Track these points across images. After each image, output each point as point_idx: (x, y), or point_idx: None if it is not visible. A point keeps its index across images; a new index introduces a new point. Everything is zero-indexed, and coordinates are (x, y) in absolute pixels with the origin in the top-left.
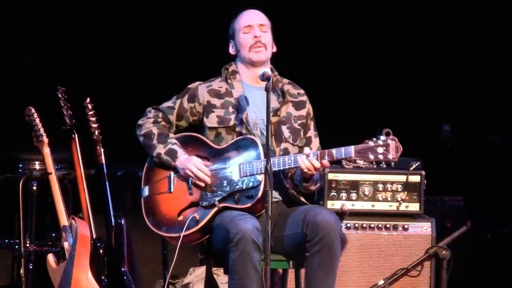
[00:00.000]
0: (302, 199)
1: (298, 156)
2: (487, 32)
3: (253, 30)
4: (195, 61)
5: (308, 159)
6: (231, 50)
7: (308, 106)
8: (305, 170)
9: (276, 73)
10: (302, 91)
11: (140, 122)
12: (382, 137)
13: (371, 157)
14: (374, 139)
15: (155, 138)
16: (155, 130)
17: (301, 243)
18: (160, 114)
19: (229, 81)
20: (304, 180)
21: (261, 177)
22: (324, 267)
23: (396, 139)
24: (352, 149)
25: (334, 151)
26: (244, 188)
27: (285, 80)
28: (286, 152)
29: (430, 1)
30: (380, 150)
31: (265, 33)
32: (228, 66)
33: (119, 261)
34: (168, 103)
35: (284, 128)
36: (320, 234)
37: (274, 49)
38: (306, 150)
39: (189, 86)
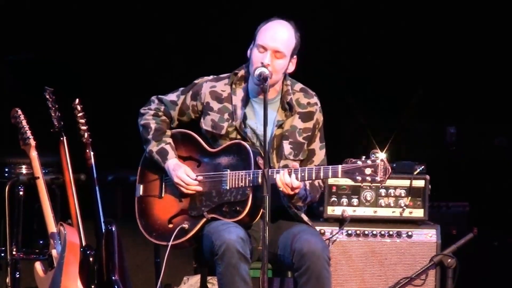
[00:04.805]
0: (303, 216)
1: (281, 171)
2: (493, 34)
3: (265, 54)
4: (189, 62)
5: (285, 176)
6: (248, 52)
7: (317, 116)
8: (280, 186)
9: (288, 82)
10: (313, 100)
11: (141, 111)
12: (371, 157)
13: (359, 178)
14: (363, 158)
15: (151, 133)
16: (153, 125)
17: (289, 266)
18: (162, 108)
19: (233, 86)
20: (287, 197)
21: (249, 190)
22: None
23: (385, 160)
24: (339, 169)
25: (321, 170)
26: (232, 200)
27: (298, 87)
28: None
29: (435, 3)
30: (368, 171)
31: (277, 59)
32: (237, 71)
33: (109, 269)
34: (173, 97)
35: (285, 144)
36: (306, 264)
37: (290, 70)
38: (294, 165)
39: (196, 81)
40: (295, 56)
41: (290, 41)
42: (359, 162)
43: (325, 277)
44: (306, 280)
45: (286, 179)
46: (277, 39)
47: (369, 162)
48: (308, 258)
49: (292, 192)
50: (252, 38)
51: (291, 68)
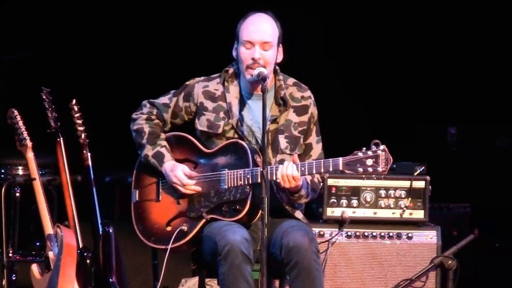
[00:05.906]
0: (298, 213)
1: (280, 165)
2: (493, 34)
3: (253, 49)
4: (187, 63)
5: (289, 169)
6: (234, 53)
7: (312, 110)
8: (279, 180)
9: (280, 77)
10: (307, 94)
11: (134, 116)
12: (372, 148)
13: (360, 169)
14: (364, 149)
15: (146, 137)
16: (146, 129)
17: (280, 262)
18: (155, 111)
19: (226, 83)
20: (290, 193)
21: (248, 189)
22: None
23: (387, 150)
24: (340, 161)
25: (321, 163)
26: (231, 199)
27: (290, 81)
28: (282, 163)
29: (435, 3)
30: (370, 162)
31: (266, 51)
32: (228, 68)
33: (107, 271)
34: (165, 100)
35: (281, 138)
36: (294, 259)
37: (280, 60)
38: (295, 158)
39: (187, 82)
40: (280, 45)
41: (274, 30)
42: (360, 154)
43: (315, 269)
44: (296, 275)
45: (288, 171)
46: (261, 31)
47: (370, 153)
48: (295, 252)
49: (294, 184)
50: (235, 36)
51: (280, 57)
